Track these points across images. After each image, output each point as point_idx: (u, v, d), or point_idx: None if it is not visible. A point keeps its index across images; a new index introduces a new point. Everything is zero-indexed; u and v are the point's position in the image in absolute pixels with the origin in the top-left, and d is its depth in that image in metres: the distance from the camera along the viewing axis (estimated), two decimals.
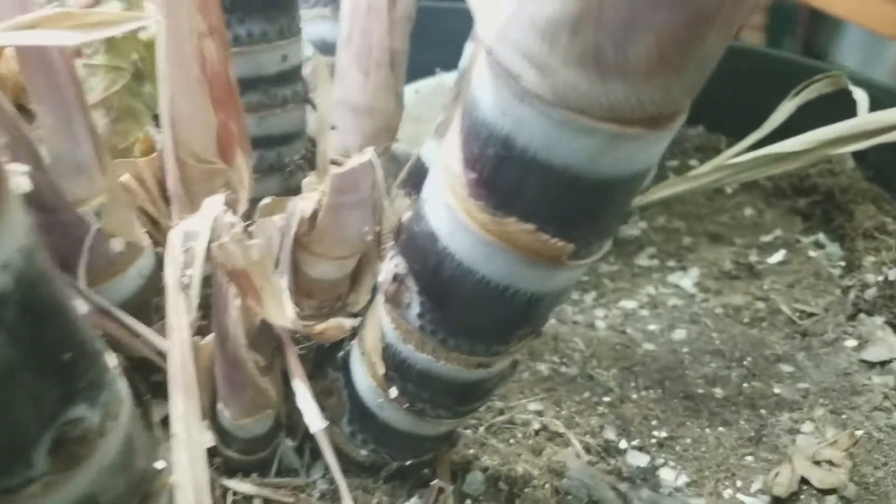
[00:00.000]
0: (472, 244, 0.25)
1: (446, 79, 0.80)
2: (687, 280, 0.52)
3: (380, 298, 0.29)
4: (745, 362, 0.44)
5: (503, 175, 0.23)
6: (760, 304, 0.49)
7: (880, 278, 0.46)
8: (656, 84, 0.21)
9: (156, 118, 0.40)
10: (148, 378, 0.34)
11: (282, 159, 0.36)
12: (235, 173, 0.33)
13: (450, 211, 0.25)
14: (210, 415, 0.32)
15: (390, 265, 0.28)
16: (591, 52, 0.20)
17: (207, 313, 0.31)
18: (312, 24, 0.47)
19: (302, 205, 0.30)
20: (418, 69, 0.68)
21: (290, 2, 0.35)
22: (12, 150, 0.27)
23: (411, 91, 0.81)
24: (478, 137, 0.23)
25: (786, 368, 0.43)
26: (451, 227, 0.25)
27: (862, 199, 0.52)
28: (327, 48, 0.46)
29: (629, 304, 0.50)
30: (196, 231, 0.28)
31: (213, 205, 0.29)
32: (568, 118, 0.21)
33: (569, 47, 0.20)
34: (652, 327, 0.48)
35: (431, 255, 0.26)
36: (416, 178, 0.41)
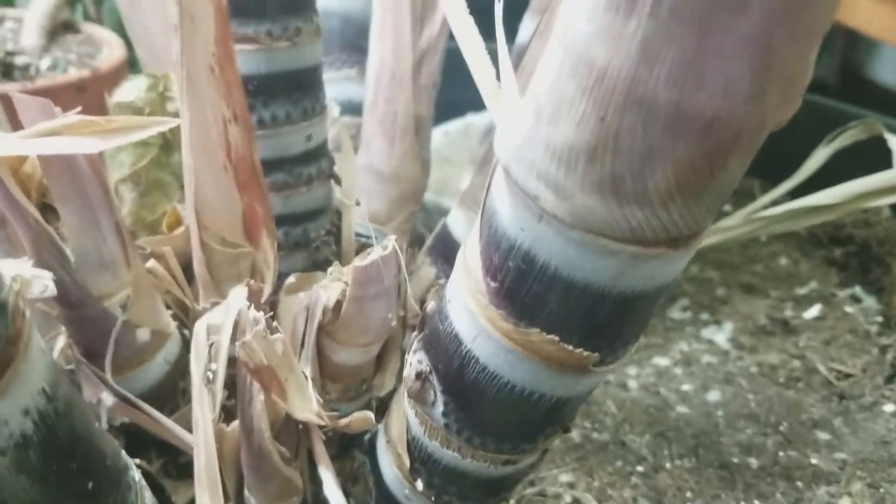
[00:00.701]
0: (495, 350, 0.24)
1: (475, 120, 0.80)
2: (721, 335, 0.51)
3: (404, 390, 0.29)
4: (780, 428, 0.43)
5: (525, 288, 0.23)
6: (796, 363, 0.48)
7: None
8: (677, 209, 0.20)
9: (183, 189, 0.41)
10: (176, 460, 0.34)
11: (307, 235, 0.37)
12: (261, 254, 0.34)
13: (472, 316, 0.25)
14: (237, 501, 0.32)
15: (414, 360, 0.28)
16: (609, 180, 0.20)
17: (234, 392, 0.31)
18: (339, 85, 0.47)
19: (325, 295, 0.30)
20: (448, 109, 0.68)
21: (315, 84, 0.35)
22: (37, 250, 0.28)
23: (440, 133, 0.81)
24: (498, 248, 0.23)
25: (823, 436, 0.42)
26: (474, 333, 0.25)
27: None
28: (354, 109, 0.47)
29: (662, 362, 0.49)
30: (220, 324, 0.29)
31: (237, 298, 0.29)
32: (588, 240, 0.21)
33: (585, 174, 0.20)
34: (686, 387, 0.47)
35: (455, 357, 0.26)
36: (441, 245, 0.41)
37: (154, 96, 0.38)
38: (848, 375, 0.46)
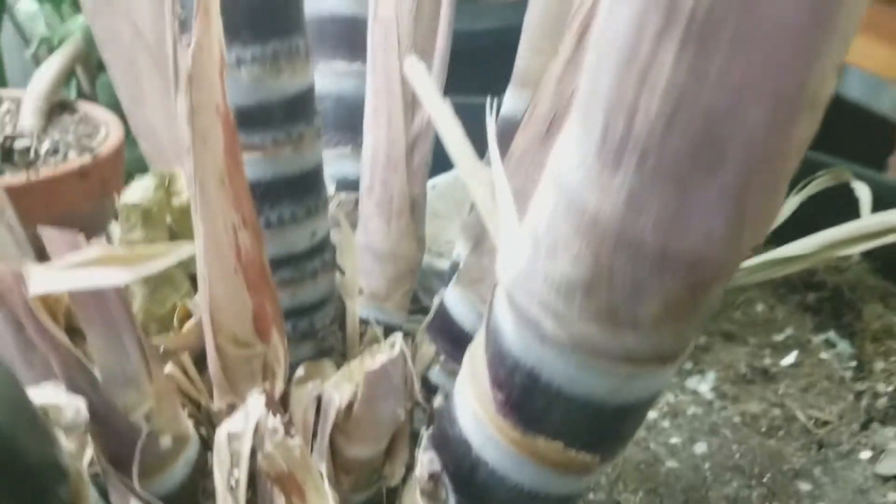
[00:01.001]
0: (503, 456, 0.26)
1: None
2: (704, 385, 0.53)
3: (416, 484, 0.31)
4: (764, 479, 0.45)
5: (530, 401, 0.25)
6: (776, 412, 0.50)
7: (890, 388, 0.47)
8: (666, 333, 0.23)
9: (191, 279, 0.43)
10: None
11: (314, 326, 0.38)
12: (272, 351, 0.35)
13: (480, 423, 0.27)
14: None
15: (425, 460, 0.30)
16: (605, 311, 0.22)
17: (254, 487, 0.33)
18: (335, 163, 0.49)
19: (337, 396, 0.32)
20: (435, 163, 0.70)
21: (317, 182, 0.37)
22: (67, 373, 0.29)
23: (428, 187, 0.83)
24: (504, 364, 0.25)
25: (804, 486, 0.45)
26: (482, 439, 0.27)
27: (870, 297, 0.54)
28: (349, 185, 0.49)
29: (651, 415, 0.51)
30: (241, 432, 0.30)
31: (256, 405, 0.31)
32: (587, 361, 0.23)
33: (583, 305, 0.22)
34: (674, 440, 0.49)
35: (465, 460, 0.28)
36: (440, 322, 0.43)
37: (161, 195, 0.40)
38: (825, 423, 0.49)
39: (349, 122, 0.51)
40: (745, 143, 0.19)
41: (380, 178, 0.44)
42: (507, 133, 0.52)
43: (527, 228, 0.24)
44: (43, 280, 0.26)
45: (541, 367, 0.24)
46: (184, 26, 0.31)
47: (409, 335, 0.49)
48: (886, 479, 0.44)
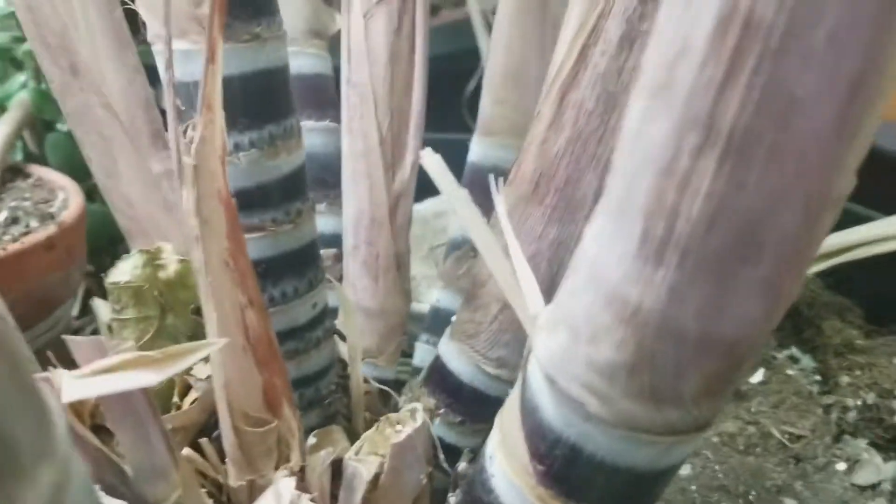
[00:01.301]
0: None
1: (420, 208, 0.83)
2: None
3: None
4: (750, 497, 0.48)
5: (572, 472, 0.26)
6: (752, 429, 0.53)
7: (859, 402, 0.50)
8: (705, 405, 0.24)
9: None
10: None
11: (320, 393, 0.39)
12: (284, 424, 0.36)
13: (519, 493, 0.28)
14: None
15: None
16: (647, 390, 0.23)
17: None
18: None
19: (364, 469, 0.32)
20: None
21: (317, 254, 0.37)
22: (99, 472, 0.29)
23: None
24: (544, 439, 0.26)
25: (789, 502, 0.47)
26: None
27: (827, 313, 0.57)
28: (326, 241, 0.49)
29: None
30: None
31: (286, 488, 0.31)
32: (631, 436, 0.24)
33: (627, 385, 0.24)
34: None
35: None
36: (438, 377, 0.44)
37: (149, 271, 0.39)
38: (800, 437, 0.51)
39: (321, 178, 0.51)
40: (780, 240, 0.21)
41: (364, 238, 0.45)
42: (476, 180, 0.53)
43: (560, 315, 0.25)
44: (76, 388, 0.26)
45: (584, 442, 0.25)
46: (181, 116, 0.31)
47: (397, 383, 0.49)
48: (863, 489, 0.47)
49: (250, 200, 0.34)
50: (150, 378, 0.27)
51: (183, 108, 0.29)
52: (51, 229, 0.49)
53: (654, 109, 0.20)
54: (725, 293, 0.21)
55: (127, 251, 0.64)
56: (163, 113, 0.42)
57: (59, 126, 0.63)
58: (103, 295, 0.65)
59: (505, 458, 0.28)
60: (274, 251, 0.35)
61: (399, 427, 0.33)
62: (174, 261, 0.40)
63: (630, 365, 0.23)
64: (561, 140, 0.37)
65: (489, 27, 1.10)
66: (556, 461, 0.26)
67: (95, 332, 0.66)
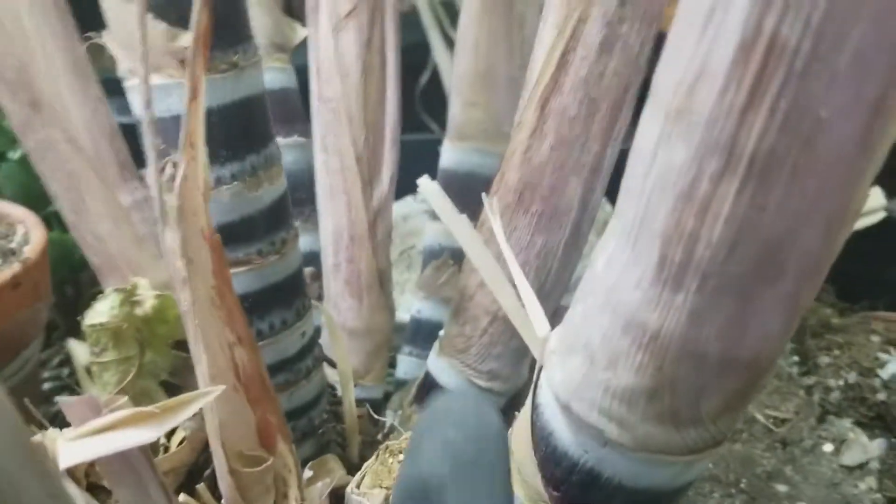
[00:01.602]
0: None
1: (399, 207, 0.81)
2: None
3: None
4: (742, 485, 0.48)
5: (590, 497, 0.26)
6: None
7: (840, 382, 0.51)
8: (723, 423, 0.24)
9: (162, 384, 0.41)
10: None
11: (312, 423, 0.38)
12: (280, 460, 0.35)
13: None
14: None
15: None
16: (668, 413, 0.23)
17: None
18: None
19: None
20: None
21: (302, 283, 0.36)
22: None
23: None
24: (559, 465, 0.26)
25: (781, 488, 0.48)
26: None
27: None
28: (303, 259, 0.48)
29: None
30: None
31: None
32: (650, 458, 0.24)
33: (646, 410, 0.23)
34: None
35: None
36: (426, 393, 0.43)
37: (126, 310, 0.38)
38: (784, 420, 0.52)
39: (293, 195, 0.50)
40: (801, 258, 0.20)
41: (345, 256, 0.44)
42: (451, 187, 0.52)
43: (574, 340, 0.24)
44: (73, 451, 0.25)
45: (602, 467, 0.25)
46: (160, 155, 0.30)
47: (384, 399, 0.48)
48: (852, 469, 0.48)
49: (235, 234, 0.32)
50: (148, 435, 0.26)
51: (163, 146, 0.27)
52: (15, 267, 0.47)
53: (672, 134, 0.20)
54: (747, 313, 0.21)
55: (90, 280, 0.62)
56: (130, 143, 0.40)
57: (11, 155, 0.61)
58: (67, 326, 0.63)
59: (519, 485, 0.28)
60: (260, 284, 0.34)
61: (402, 457, 0.32)
62: (150, 296, 0.38)
63: (650, 389, 0.23)
64: (544, 148, 0.37)
65: (438, 20, 1.09)
66: (573, 487, 0.26)
67: (62, 364, 0.64)
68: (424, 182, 0.29)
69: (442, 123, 1.02)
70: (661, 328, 0.22)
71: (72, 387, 0.56)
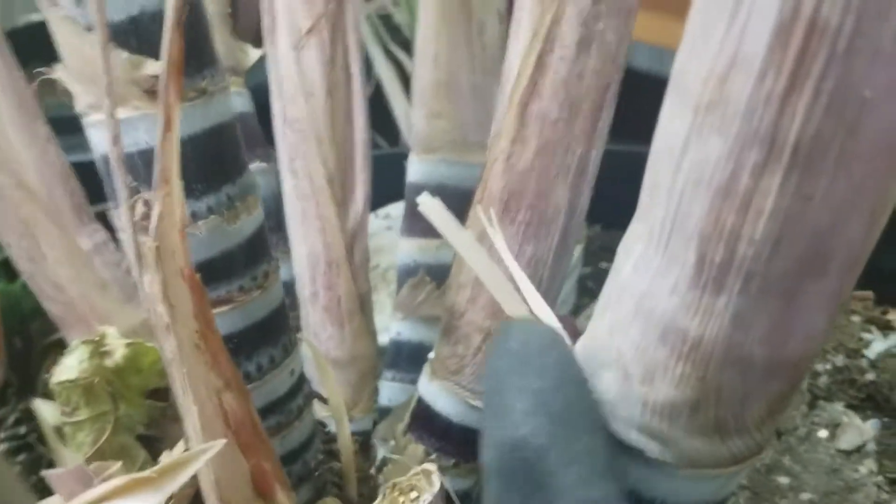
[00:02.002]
0: None
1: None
2: None
3: None
4: (743, 481, 0.47)
5: None
6: None
7: (828, 366, 0.51)
8: (767, 428, 0.23)
9: (139, 438, 0.38)
10: None
11: (308, 466, 0.36)
12: None
13: None
14: None
15: None
16: (712, 425, 0.22)
17: None
18: None
19: None
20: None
21: (287, 316, 0.34)
22: None
23: (381, 216, 0.79)
24: None
25: (783, 480, 0.47)
26: None
27: None
28: None
29: None
30: None
31: None
32: (694, 474, 0.23)
33: (689, 423, 0.22)
34: None
35: None
36: (422, 419, 0.41)
37: (96, 362, 0.35)
38: None
39: None
40: (846, 249, 0.19)
41: (323, 283, 0.42)
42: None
43: (603, 354, 0.23)
44: None
45: (643, 488, 0.23)
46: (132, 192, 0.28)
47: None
48: (850, 454, 0.47)
49: (214, 272, 0.30)
50: (150, 501, 0.24)
51: (134, 184, 0.25)
52: None
53: (705, 127, 0.18)
54: (792, 313, 0.20)
55: (41, 332, 0.58)
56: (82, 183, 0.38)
57: None
58: (20, 381, 0.60)
59: None
60: (244, 322, 0.32)
61: (415, 495, 0.30)
62: (121, 345, 0.36)
63: (693, 401, 0.21)
64: (527, 153, 0.36)
65: (378, 34, 1.07)
66: None
67: (18, 422, 0.60)
68: (424, 199, 0.27)
69: (387, 138, 1.00)
70: (702, 335, 0.20)
71: (32, 445, 0.53)
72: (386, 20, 1.06)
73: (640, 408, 0.22)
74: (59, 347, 0.39)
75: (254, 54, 0.48)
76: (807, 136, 0.17)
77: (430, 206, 0.26)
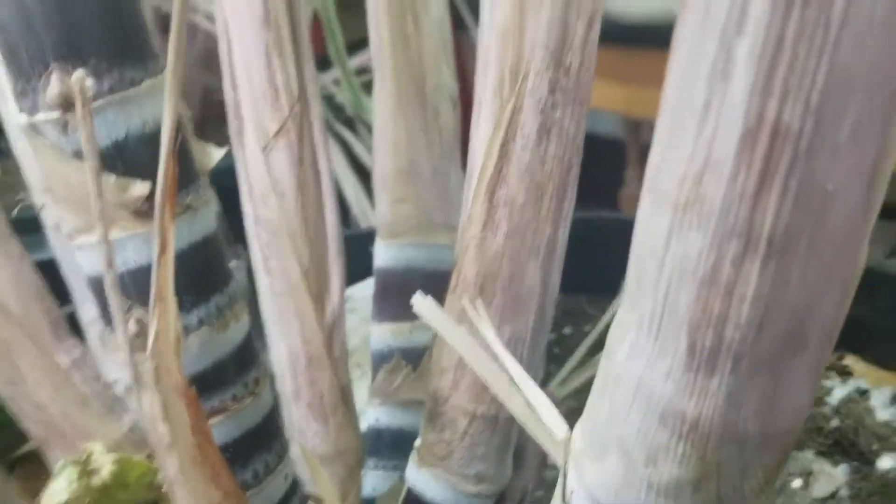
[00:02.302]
0: None
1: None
2: None
3: None
4: None
5: None
6: None
7: None
8: (765, 496, 0.24)
9: None
10: None
11: None
12: None
13: None
14: None
15: None
16: (714, 499, 0.23)
17: None
18: None
19: None
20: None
21: (279, 420, 0.34)
22: None
23: None
24: None
25: None
26: None
27: None
28: None
29: None
30: None
31: None
32: None
33: (693, 500, 0.23)
34: None
35: None
36: None
37: (85, 482, 0.35)
38: None
39: None
40: (823, 325, 0.21)
41: (305, 379, 0.42)
42: (391, 286, 0.52)
43: (605, 438, 0.24)
44: None
45: None
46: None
47: None
48: (825, 500, 0.49)
49: (207, 383, 0.30)
50: None
51: (128, 304, 0.26)
52: None
53: (685, 223, 0.20)
54: (780, 387, 0.21)
55: (9, 446, 0.57)
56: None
57: None
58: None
59: None
60: (239, 431, 0.32)
61: None
62: (107, 462, 0.35)
63: (695, 479, 0.22)
64: (498, 238, 0.37)
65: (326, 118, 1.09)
66: None
67: None
68: (418, 300, 0.28)
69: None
70: (699, 416, 0.21)
71: None
72: (329, 100, 1.08)
73: (645, 490, 0.23)
74: (28, 461, 0.38)
75: (216, 154, 0.49)
76: (779, 228, 0.19)
77: (423, 306, 0.27)
